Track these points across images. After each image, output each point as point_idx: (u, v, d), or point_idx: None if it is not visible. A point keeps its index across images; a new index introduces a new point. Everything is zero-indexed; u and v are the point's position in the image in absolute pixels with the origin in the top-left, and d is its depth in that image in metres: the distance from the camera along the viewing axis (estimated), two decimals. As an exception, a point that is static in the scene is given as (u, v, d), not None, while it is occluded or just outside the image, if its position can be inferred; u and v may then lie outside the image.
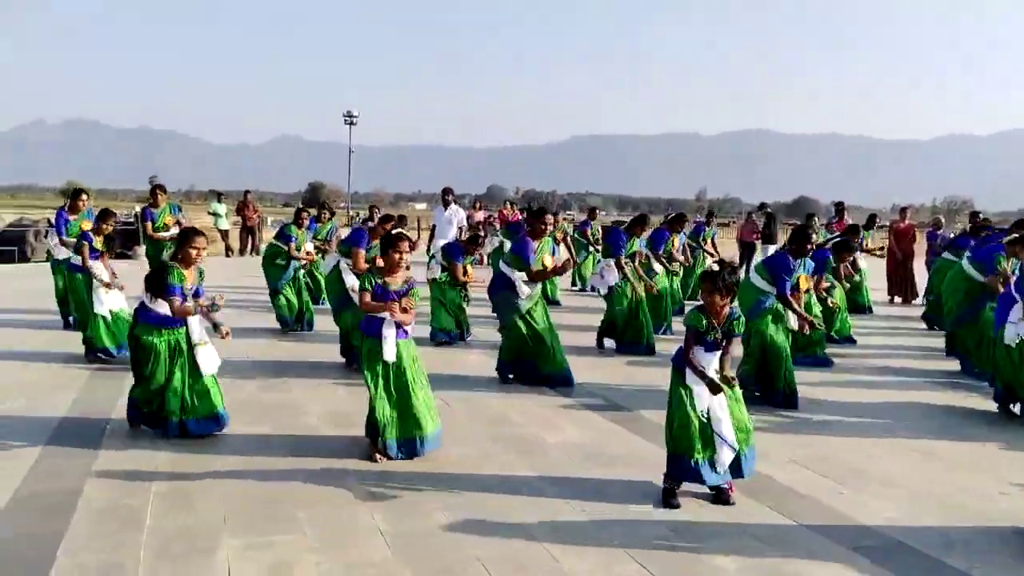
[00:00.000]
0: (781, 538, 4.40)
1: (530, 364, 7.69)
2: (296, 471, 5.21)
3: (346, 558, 4.01)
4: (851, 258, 10.26)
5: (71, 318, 9.74)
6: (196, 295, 5.86)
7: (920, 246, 16.35)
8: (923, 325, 12.22)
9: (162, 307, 5.73)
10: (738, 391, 4.94)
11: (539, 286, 7.77)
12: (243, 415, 6.40)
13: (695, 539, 4.36)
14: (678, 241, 11.76)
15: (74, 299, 9.11)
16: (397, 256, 5.42)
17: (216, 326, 5.87)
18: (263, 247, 19.74)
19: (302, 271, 10.38)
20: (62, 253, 9.59)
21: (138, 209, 17.52)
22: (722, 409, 4.76)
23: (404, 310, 5.38)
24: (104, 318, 8.12)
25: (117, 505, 4.58)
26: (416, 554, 4.08)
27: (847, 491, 5.15)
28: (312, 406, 6.73)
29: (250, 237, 22.56)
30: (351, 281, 8.04)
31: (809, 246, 7.21)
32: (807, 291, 7.82)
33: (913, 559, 4.17)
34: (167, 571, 3.82)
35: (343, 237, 9.19)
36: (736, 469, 4.86)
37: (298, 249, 10.23)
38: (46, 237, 9.93)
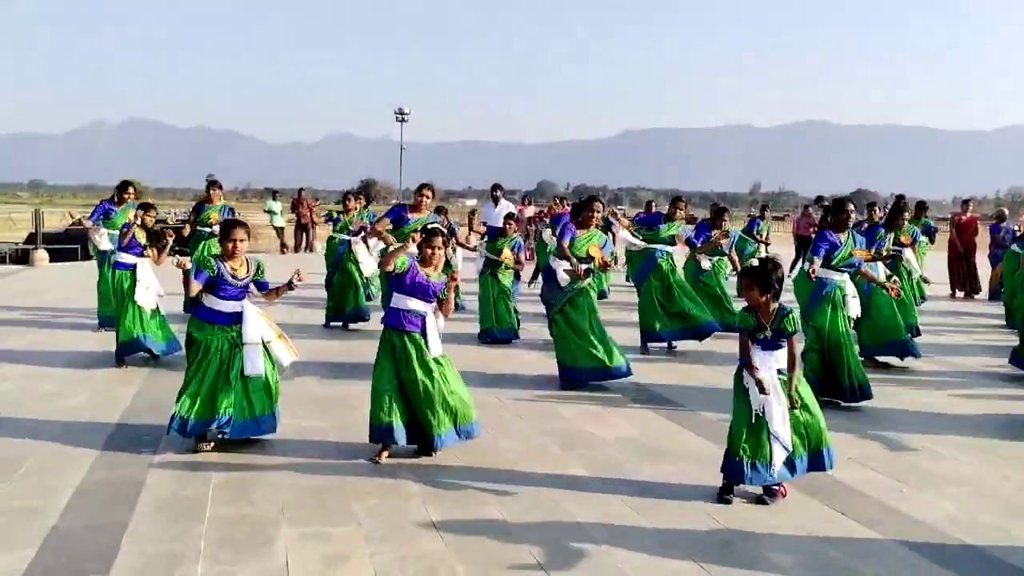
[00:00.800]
0: (840, 537, 4.32)
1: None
2: (351, 464, 5.28)
3: (400, 550, 4.06)
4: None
5: (104, 318, 9.72)
6: (261, 288, 5.86)
7: (983, 239, 15.89)
8: (987, 320, 11.86)
9: (212, 302, 5.60)
10: (806, 391, 4.87)
11: (586, 281, 7.62)
12: (298, 409, 6.51)
13: (752, 537, 4.31)
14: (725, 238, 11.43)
15: (116, 298, 9.16)
16: (430, 251, 5.42)
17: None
18: (318, 244, 20.02)
19: (352, 265, 10.46)
20: (105, 243, 9.80)
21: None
22: (778, 406, 4.69)
23: (441, 302, 5.44)
24: (138, 313, 8.03)
25: (178, 496, 4.71)
26: (469, 547, 4.11)
27: (908, 490, 5.04)
28: (366, 400, 6.80)
29: (304, 234, 22.91)
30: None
31: (845, 216, 7.04)
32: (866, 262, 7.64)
33: (975, 559, 4.07)
34: (227, 560, 3.92)
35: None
36: (791, 468, 4.79)
37: (342, 230, 10.46)
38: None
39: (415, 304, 5.36)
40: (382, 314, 5.62)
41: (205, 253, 10.06)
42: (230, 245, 5.66)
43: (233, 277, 5.60)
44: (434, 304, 5.44)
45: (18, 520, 4.31)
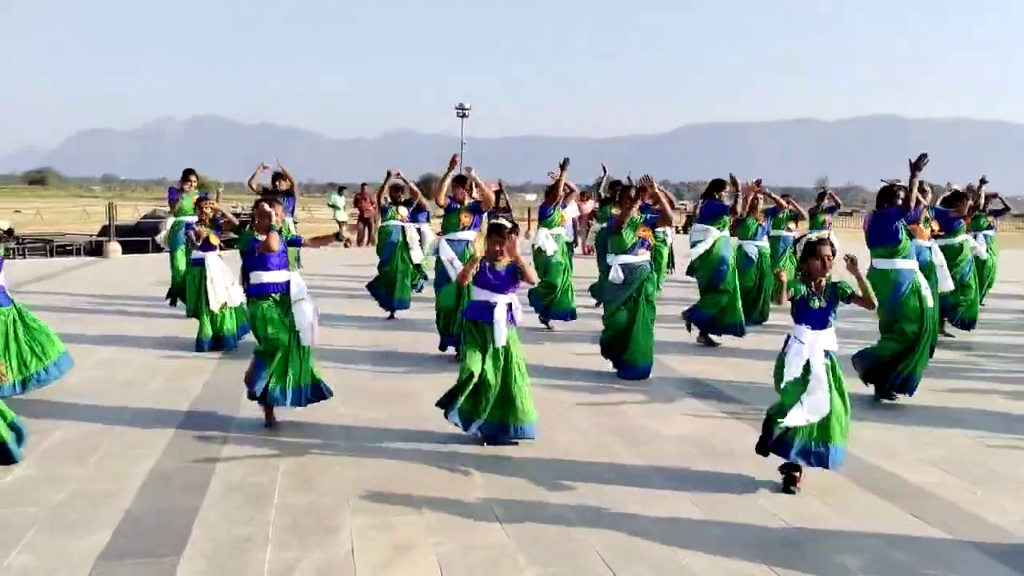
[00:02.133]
0: (909, 539, 4.22)
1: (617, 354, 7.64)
2: (413, 455, 5.34)
3: (462, 541, 4.09)
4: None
5: (178, 304, 10.34)
6: (295, 243, 6.24)
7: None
8: None
9: (260, 277, 5.86)
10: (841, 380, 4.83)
11: (639, 271, 7.55)
12: (358, 401, 6.60)
13: (817, 536, 4.24)
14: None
15: (190, 290, 9.40)
16: (496, 248, 5.53)
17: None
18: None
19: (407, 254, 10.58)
20: (161, 237, 10.56)
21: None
22: (819, 379, 4.69)
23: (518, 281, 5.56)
24: (212, 314, 8.42)
25: (246, 482, 4.82)
26: (531, 539, 4.12)
27: (981, 492, 4.89)
28: (425, 393, 6.88)
29: (366, 228, 23.17)
30: (448, 254, 8.16)
31: (896, 199, 6.87)
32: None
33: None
34: (295, 546, 4.00)
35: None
36: (821, 460, 4.76)
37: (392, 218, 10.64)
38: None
39: (489, 296, 5.50)
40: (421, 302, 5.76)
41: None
42: (264, 220, 5.90)
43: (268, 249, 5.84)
44: (510, 294, 5.54)
45: (93, 504, 4.47)
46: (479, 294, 5.56)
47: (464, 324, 5.64)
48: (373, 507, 4.49)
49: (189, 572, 3.74)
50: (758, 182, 9.89)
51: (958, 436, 6.03)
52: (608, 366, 7.80)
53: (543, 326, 10.05)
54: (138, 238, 22.10)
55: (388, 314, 10.64)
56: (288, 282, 5.94)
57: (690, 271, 10.17)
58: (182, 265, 10.33)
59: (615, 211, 7.79)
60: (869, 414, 6.49)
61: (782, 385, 4.80)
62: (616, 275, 7.43)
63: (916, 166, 6.58)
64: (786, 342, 4.90)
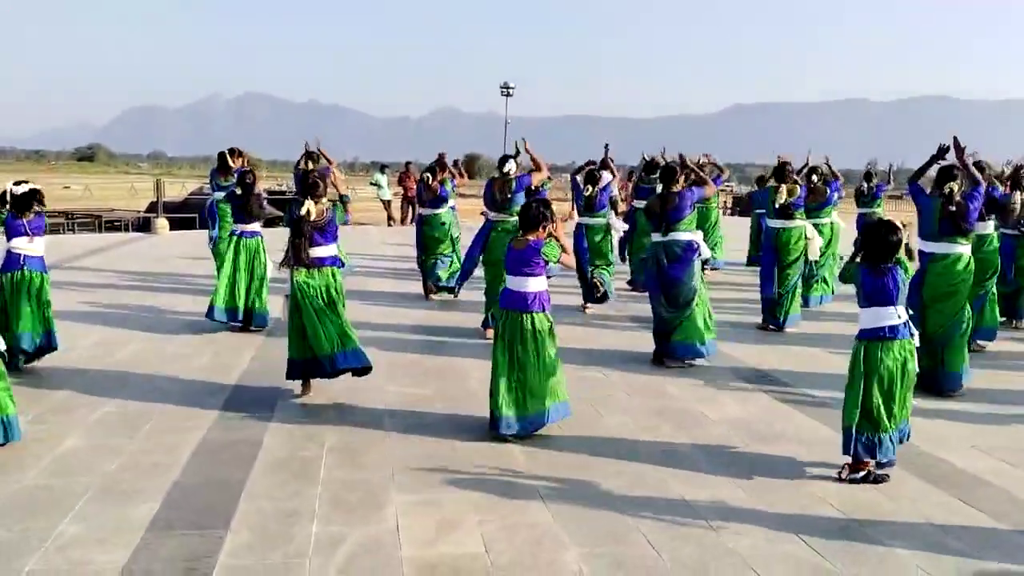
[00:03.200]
0: (963, 527, 4.12)
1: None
2: (459, 433, 5.35)
3: (507, 519, 4.08)
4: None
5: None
6: (331, 226, 6.09)
7: None
8: None
9: (316, 248, 5.88)
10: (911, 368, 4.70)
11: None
12: (405, 378, 6.62)
13: (869, 524, 4.15)
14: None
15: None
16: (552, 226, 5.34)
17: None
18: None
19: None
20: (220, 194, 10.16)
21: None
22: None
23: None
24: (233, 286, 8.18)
25: (293, 457, 4.86)
26: (575, 519, 4.10)
27: (1039, 482, 4.75)
28: (472, 370, 6.87)
29: (411, 207, 23.20)
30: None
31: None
32: None
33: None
34: (341, 521, 4.02)
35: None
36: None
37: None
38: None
39: (514, 284, 5.31)
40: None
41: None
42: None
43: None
44: (534, 277, 5.28)
45: (143, 475, 4.54)
46: (509, 281, 5.37)
47: (501, 313, 5.39)
48: (418, 484, 4.50)
49: (235, 544, 3.78)
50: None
51: (1012, 425, 5.86)
52: (651, 347, 7.72)
53: (582, 308, 9.88)
54: (186, 215, 22.39)
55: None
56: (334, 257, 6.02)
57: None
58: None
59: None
60: (924, 401, 6.32)
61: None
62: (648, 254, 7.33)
63: (938, 156, 6.43)
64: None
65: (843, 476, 4.69)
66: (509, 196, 8.15)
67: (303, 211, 5.81)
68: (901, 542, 3.94)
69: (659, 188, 7.62)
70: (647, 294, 7.64)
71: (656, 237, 7.31)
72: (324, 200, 6.00)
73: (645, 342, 7.79)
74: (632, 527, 4.04)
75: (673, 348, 7.23)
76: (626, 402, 6.18)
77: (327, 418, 5.60)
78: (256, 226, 8.39)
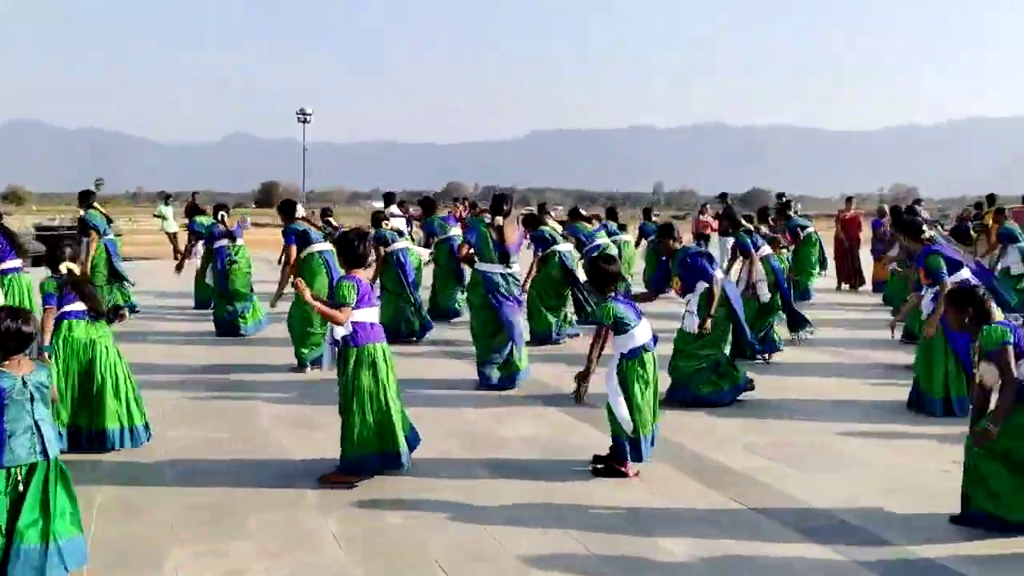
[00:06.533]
0: (732, 522, 4.47)
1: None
2: (247, 476, 5.15)
3: (296, 562, 3.98)
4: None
5: None
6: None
7: (866, 234, 16.66)
8: (875, 314, 12.25)
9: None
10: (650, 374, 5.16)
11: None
12: (192, 420, 6.32)
13: (646, 524, 4.43)
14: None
15: None
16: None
17: None
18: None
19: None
20: None
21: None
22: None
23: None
24: None
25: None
26: (368, 554, 4.07)
27: (797, 474, 5.24)
28: (263, 408, 6.66)
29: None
30: None
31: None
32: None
33: (857, 538, 4.27)
34: (113, 581, 3.76)
35: None
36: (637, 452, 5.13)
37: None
38: None
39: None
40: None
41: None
42: None
43: None
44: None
45: None
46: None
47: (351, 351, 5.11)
48: (201, 534, 4.29)
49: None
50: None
51: (781, 423, 6.43)
52: (452, 374, 7.83)
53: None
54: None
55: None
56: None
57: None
58: None
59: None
60: (695, 408, 6.79)
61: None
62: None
63: None
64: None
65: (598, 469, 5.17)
66: None
67: None
68: (673, 540, 4.21)
69: (497, 220, 7.59)
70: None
71: (499, 269, 7.42)
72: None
73: (447, 369, 7.88)
74: (427, 554, 4.06)
75: (517, 376, 7.46)
76: (424, 428, 6.18)
77: (98, 472, 5.19)
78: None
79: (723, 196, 19.91)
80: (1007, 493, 4.25)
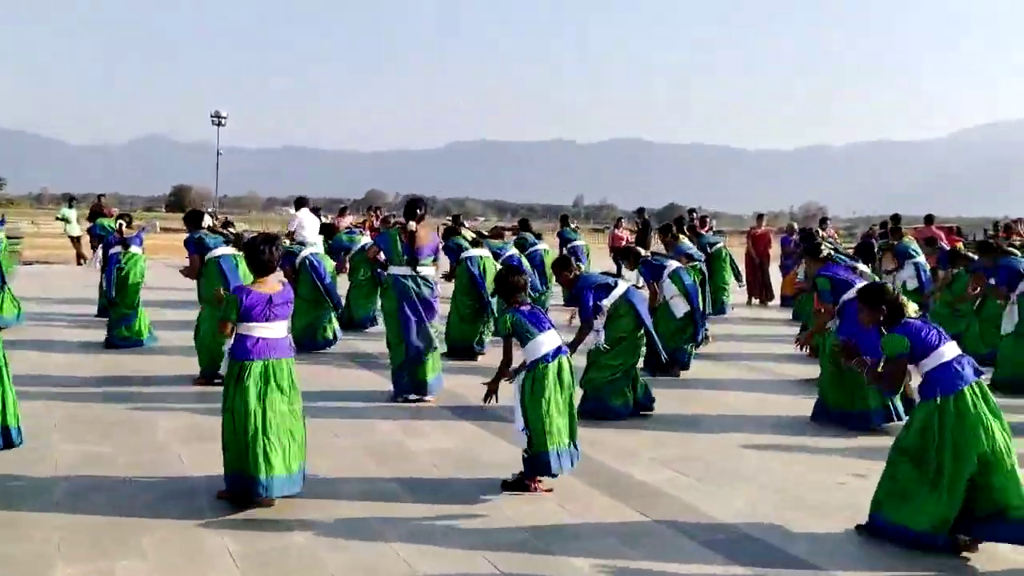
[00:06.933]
0: (638, 536, 4.49)
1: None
2: (142, 491, 4.93)
3: (190, 581, 3.81)
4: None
5: None
6: None
7: (775, 250, 17.17)
8: (785, 329, 12.57)
9: None
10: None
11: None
12: (85, 432, 6.04)
13: (553, 540, 4.39)
14: None
15: None
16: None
17: None
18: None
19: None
20: None
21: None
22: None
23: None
24: None
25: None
26: (265, 573, 3.93)
27: (704, 487, 5.30)
28: (161, 421, 6.40)
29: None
30: None
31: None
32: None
33: (758, 550, 4.34)
34: (-13, 607, 3.53)
35: None
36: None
37: None
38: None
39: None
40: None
41: None
42: None
43: None
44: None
45: None
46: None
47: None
48: (90, 553, 4.08)
49: None
50: None
51: (689, 436, 6.51)
52: (364, 386, 7.70)
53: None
54: None
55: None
56: None
57: None
58: None
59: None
60: (611, 422, 6.82)
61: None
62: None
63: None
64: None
65: (507, 483, 5.11)
66: None
67: None
68: (581, 556, 4.19)
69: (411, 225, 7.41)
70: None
71: (407, 271, 7.29)
72: None
73: (359, 380, 7.74)
74: (327, 572, 3.94)
75: (428, 384, 7.35)
76: (332, 444, 6.05)
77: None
78: None
79: (640, 211, 20.24)
80: (914, 498, 4.35)
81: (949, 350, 4.41)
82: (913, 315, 4.58)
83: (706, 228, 17.22)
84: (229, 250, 8.15)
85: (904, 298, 4.69)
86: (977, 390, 4.34)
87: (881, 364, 4.66)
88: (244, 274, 7.94)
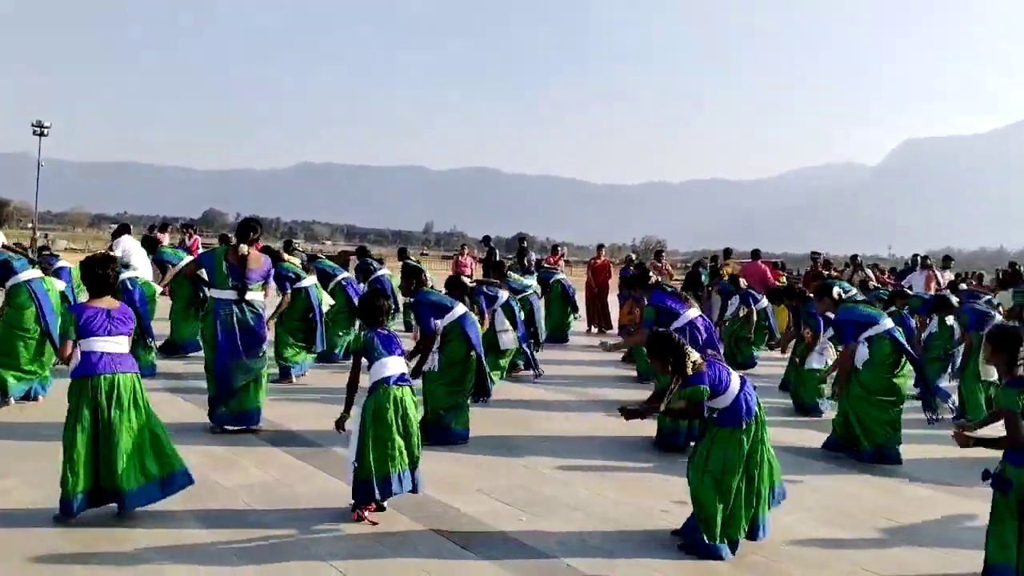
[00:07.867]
0: (456, 571, 4.31)
1: None
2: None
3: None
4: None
5: None
6: None
7: (614, 281, 17.62)
8: (619, 356, 12.77)
9: None
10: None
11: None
12: None
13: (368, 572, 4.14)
14: None
15: None
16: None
17: None
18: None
19: None
20: None
21: None
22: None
23: None
24: None
25: None
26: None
27: (526, 517, 5.19)
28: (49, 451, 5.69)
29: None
30: None
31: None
32: None
33: (578, 581, 4.25)
34: None
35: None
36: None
37: None
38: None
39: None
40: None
41: None
42: None
43: None
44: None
45: None
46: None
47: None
48: None
49: None
50: None
51: (514, 463, 6.41)
52: (185, 415, 7.16)
53: None
54: None
55: None
56: None
57: None
58: None
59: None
60: (436, 449, 6.63)
61: None
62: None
63: None
64: None
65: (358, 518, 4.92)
66: None
67: None
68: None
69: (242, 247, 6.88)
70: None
71: (232, 296, 6.77)
72: None
73: (174, 408, 7.21)
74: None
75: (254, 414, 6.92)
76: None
77: None
78: None
79: (486, 239, 20.33)
80: (723, 519, 4.67)
81: (736, 385, 4.73)
82: (696, 362, 4.73)
83: (557, 258, 17.57)
84: (37, 273, 7.53)
85: (687, 348, 4.81)
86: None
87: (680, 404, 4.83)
88: (56, 303, 7.51)
